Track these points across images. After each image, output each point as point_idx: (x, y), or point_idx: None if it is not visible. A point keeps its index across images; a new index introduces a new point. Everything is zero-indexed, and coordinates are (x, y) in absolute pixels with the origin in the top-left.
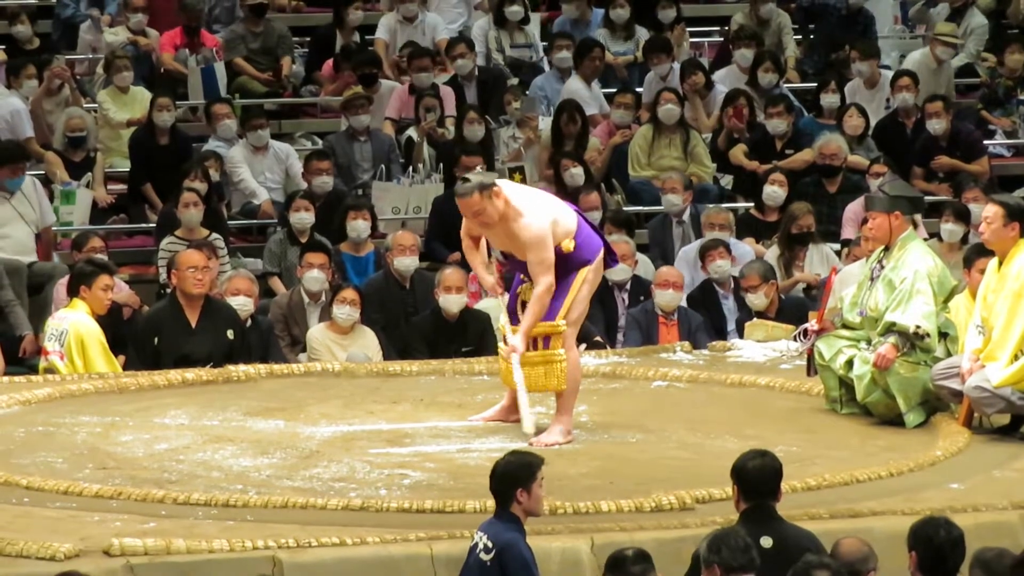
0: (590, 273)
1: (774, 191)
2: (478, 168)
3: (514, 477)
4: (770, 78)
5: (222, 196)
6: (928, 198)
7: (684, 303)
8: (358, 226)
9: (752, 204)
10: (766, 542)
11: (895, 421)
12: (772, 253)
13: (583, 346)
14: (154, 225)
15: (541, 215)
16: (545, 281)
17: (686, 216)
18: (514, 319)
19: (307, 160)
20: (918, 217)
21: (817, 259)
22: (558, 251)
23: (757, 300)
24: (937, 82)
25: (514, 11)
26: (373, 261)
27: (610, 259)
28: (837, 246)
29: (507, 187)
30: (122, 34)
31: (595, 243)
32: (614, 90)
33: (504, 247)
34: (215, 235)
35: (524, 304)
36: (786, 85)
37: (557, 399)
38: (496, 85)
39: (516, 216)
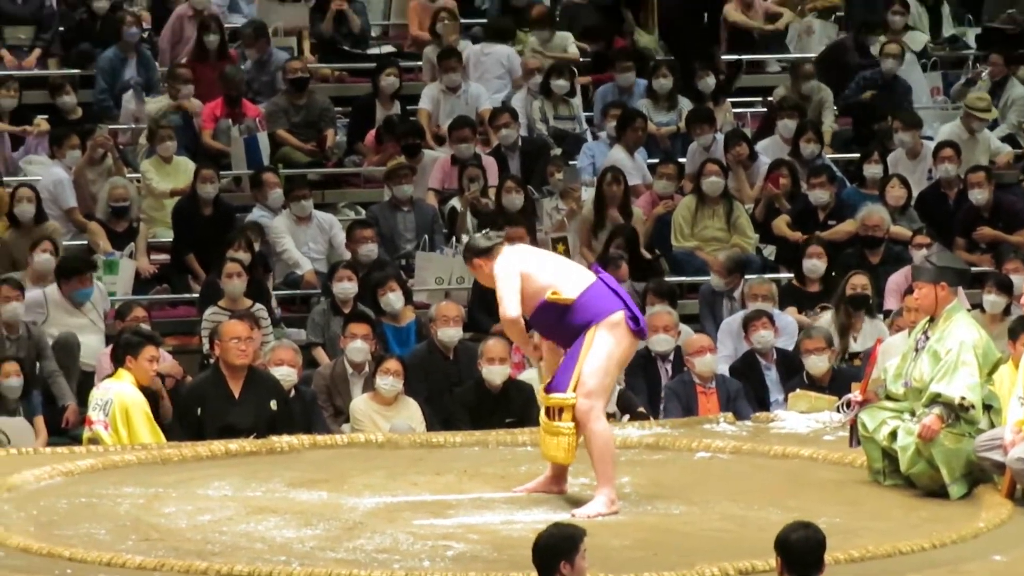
0: (599, 338)
1: (813, 264)
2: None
3: (557, 549)
4: (812, 148)
5: (268, 268)
6: (971, 269)
7: (727, 372)
8: (390, 299)
9: (793, 275)
10: None
11: (939, 493)
12: (826, 319)
13: (626, 417)
14: (197, 295)
15: (505, 261)
16: (502, 313)
17: (736, 293)
18: (547, 387)
19: (351, 229)
20: (960, 289)
21: (870, 332)
22: (543, 303)
23: (820, 363)
24: (973, 152)
25: (560, 84)
26: (415, 331)
27: (632, 325)
28: (880, 317)
29: (509, 249)
30: (164, 103)
31: (604, 304)
32: (656, 160)
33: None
34: (258, 305)
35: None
36: (829, 156)
37: (595, 472)
38: (539, 155)
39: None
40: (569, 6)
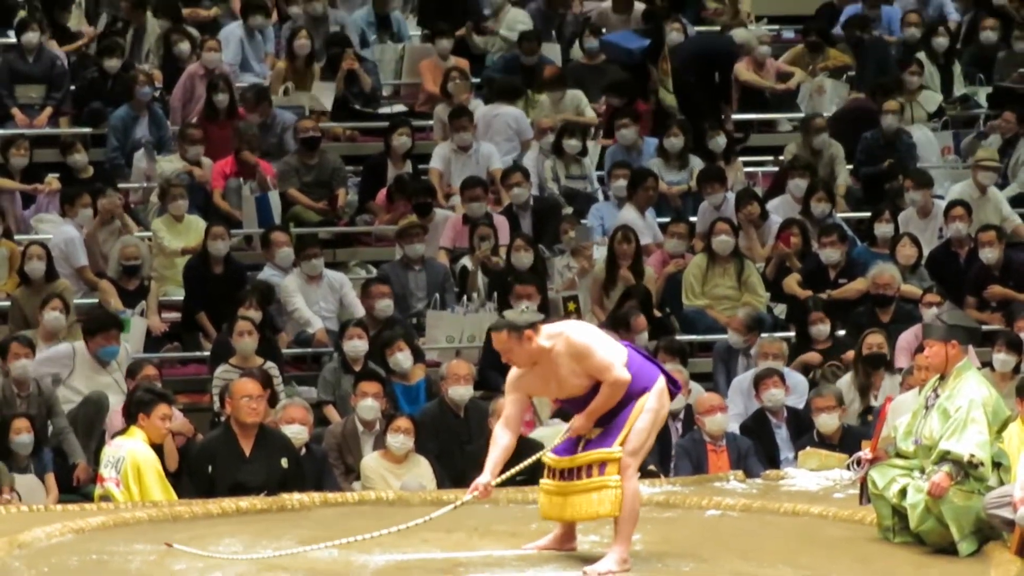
0: (650, 401)
1: (818, 329)
2: (526, 305)
3: None
4: (823, 207)
5: (277, 328)
6: (982, 328)
7: (737, 430)
8: (398, 359)
9: (795, 334)
10: None
11: (948, 550)
12: (846, 379)
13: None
14: (208, 353)
15: (588, 329)
16: (620, 375)
17: (752, 351)
18: (561, 451)
19: (366, 285)
20: (970, 347)
21: (890, 389)
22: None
23: (831, 421)
24: (985, 210)
25: (572, 144)
26: (424, 389)
27: (672, 387)
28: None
29: (566, 327)
30: (176, 162)
31: (650, 372)
32: (668, 219)
33: (547, 393)
34: (269, 363)
35: (577, 439)
36: (840, 215)
37: (615, 528)
38: (551, 214)
39: (557, 342)
40: (581, 66)
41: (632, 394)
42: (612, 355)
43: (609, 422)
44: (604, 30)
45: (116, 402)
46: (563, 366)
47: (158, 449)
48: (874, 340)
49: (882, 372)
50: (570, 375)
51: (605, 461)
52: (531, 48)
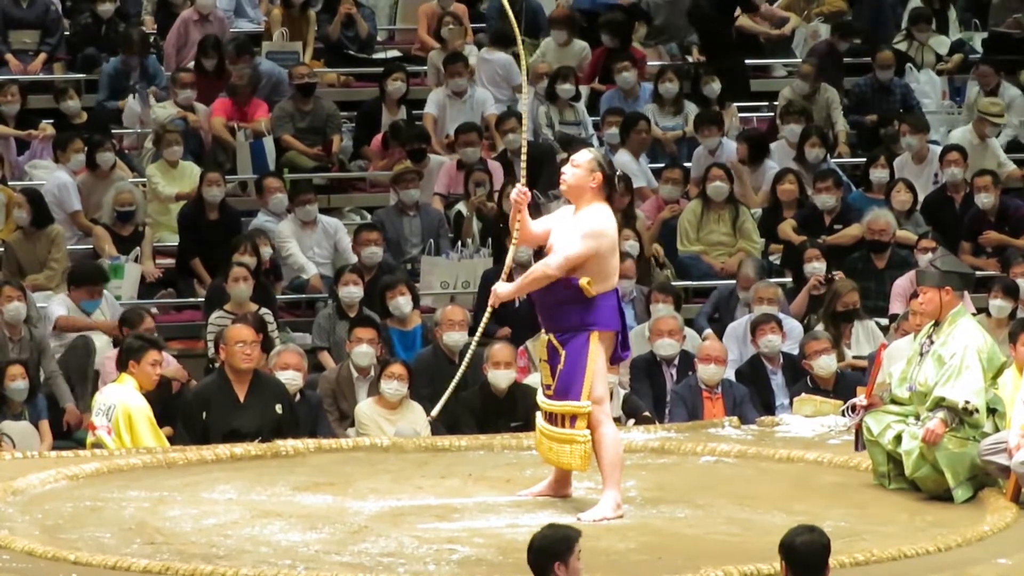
0: (596, 344)
1: (813, 267)
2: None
3: (551, 551)
4: (817, 153)
5: (279, 276)
6: (977, 273)
7: (732, 377)
8: (399, 303)
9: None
10: None
11: (943, 496)
12: (817, 330)
13: (631, 421)
14: (203, 300)
15: (612, 227)
16: (554, 265)
17: (747, 296)
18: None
19: (356, 232)
20: (965, 293)
21: (863, 336)
22: (571, 282)
23: (829, 362)
24: (983, 157)
25: (565, 88)
26: (420, 335)
27: (620, 350)
28: (885, 321)
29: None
30: (171, 108)
31: (612, 318)
32: (662, 165)
33: (550, 246)
34: (264, 310)
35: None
36: (835, 160)
37: (602, 475)
38: (545, 160)
39: (594, 207)
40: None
41: (581, 324)
42: (583, 252)
43: (570, 368)
44: None
45: (101, 346)
46: (570, 227)
47: (149, 396)
48: (850, 299)
49: (851, 325)
50: (565, 235)
51: (575, 415)
52: None
